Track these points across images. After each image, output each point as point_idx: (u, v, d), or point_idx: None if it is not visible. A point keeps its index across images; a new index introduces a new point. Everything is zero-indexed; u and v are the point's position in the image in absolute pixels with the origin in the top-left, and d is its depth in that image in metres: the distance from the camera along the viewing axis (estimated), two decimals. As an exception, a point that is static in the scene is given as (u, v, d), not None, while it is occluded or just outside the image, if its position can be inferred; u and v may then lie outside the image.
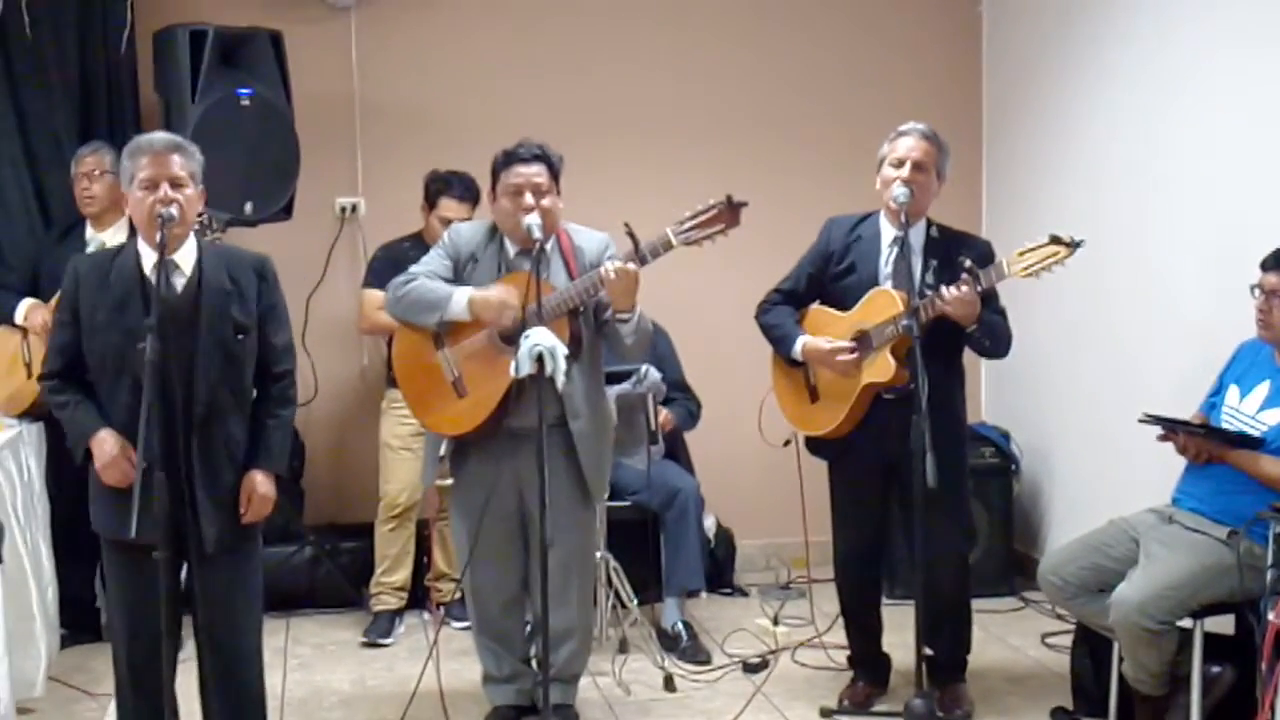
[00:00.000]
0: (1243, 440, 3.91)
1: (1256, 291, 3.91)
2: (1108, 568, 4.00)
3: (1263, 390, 3.96)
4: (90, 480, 3.54)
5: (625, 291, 3.98)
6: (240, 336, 3.51)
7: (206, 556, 3.49)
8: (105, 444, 3.44)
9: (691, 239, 3.99)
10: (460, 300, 4.07)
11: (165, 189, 3.41)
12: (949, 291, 4.06)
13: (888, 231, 4.34)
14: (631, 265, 3.95)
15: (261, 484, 3.56)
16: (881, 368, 4.20)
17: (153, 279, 3.39)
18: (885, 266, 4.32)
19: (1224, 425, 4.01)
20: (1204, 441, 3.98)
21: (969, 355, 4.41)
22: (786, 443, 4.76)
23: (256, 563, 3.67)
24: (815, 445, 4.53)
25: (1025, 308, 4.41)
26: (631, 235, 3.98)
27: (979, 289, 4.05)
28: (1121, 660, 3.99)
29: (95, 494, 3.54)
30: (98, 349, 3.47)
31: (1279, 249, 3.91)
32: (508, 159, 4.12)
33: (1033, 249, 4.03)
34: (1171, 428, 4.04)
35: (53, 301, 4.84)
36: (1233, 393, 4.06)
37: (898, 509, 4.43)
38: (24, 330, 4.98)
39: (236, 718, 3.69)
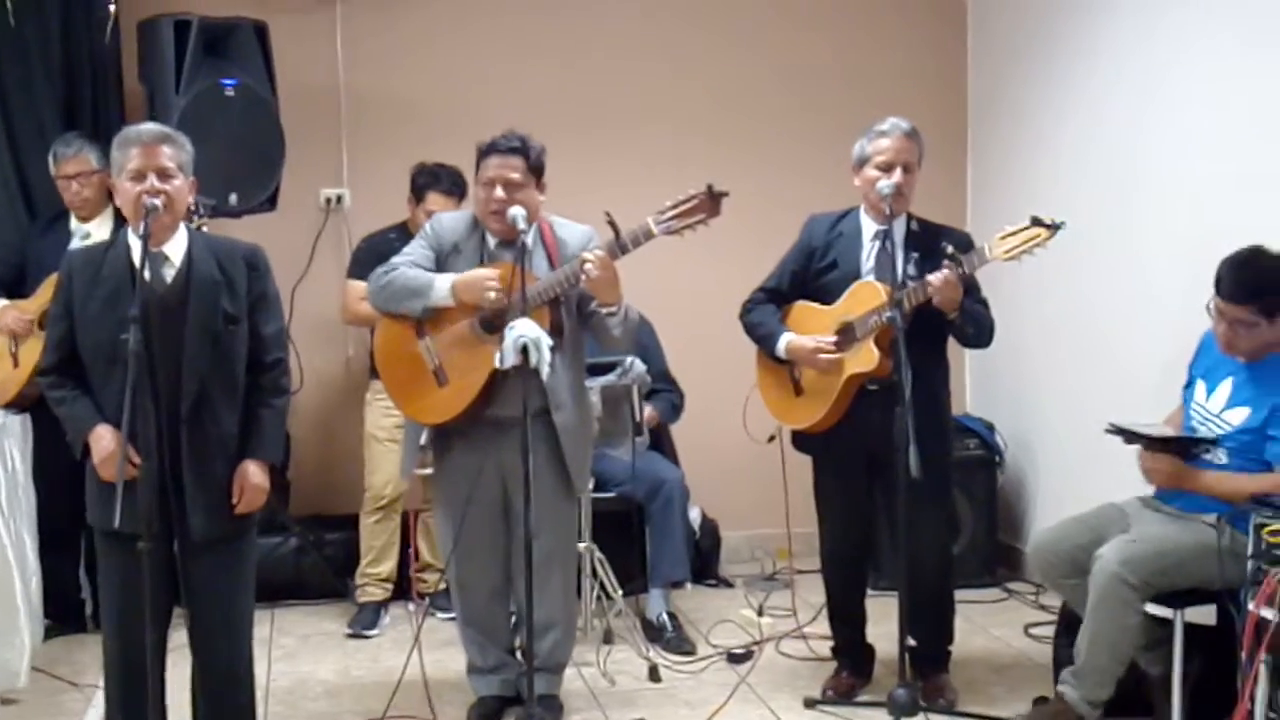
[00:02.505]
0: (1194, 441, 3.96)
1: (1214, 312, 3.90)
2: (1099, 545, 3.99)
3: (1225, 388, 3.98)
4: (87, 474, 3.52)
5: (608, 285, 4.00)
6: (230, 327, 3.50)
7: (195, 546, 3.48)
8: (103, 439, 3.41)
9: (672, 228, 4.00)
10: (443, 286, 4.08)
11: (152, 180, 3.41)
12: (933, 277, 4.07)
13: (869, 226, 4.36)
14: (602, 253, 3.95)
15: (254, 474, 3.55)
16: (865, 358, 4.21)
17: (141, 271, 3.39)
18: (867, 261, 4.34)
19: (1192, 421, 4.04)
20: (1164, 460, 3.96)
21: (954, 348, 4.43)
22: (771, 438, 4.77)
23: (249, 555, 3.66)
24: (800, 440, 4.53)
25: (1009, 300, 4.43)
26: (612, 224, 3.99)
27: (961, 273, 4.06)
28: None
29: (90, 488, 3.52)
30: (90, 342, 3.46)
31: (1230, 272, 3.86)
32: (488, 149, 4.14)
33: (1014, 232, 4.04)
34: (1131, 439, 4.03)
35: (25, 301, 4.87)
36: (1199, 389, 4.08)
37: (881, 500, 4.44)
38: (7, 322, 4.97)
39: (226, 710, 3.69)
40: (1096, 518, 4.12)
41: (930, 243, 4.26)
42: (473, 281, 4.05)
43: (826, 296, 4.38)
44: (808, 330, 4.35)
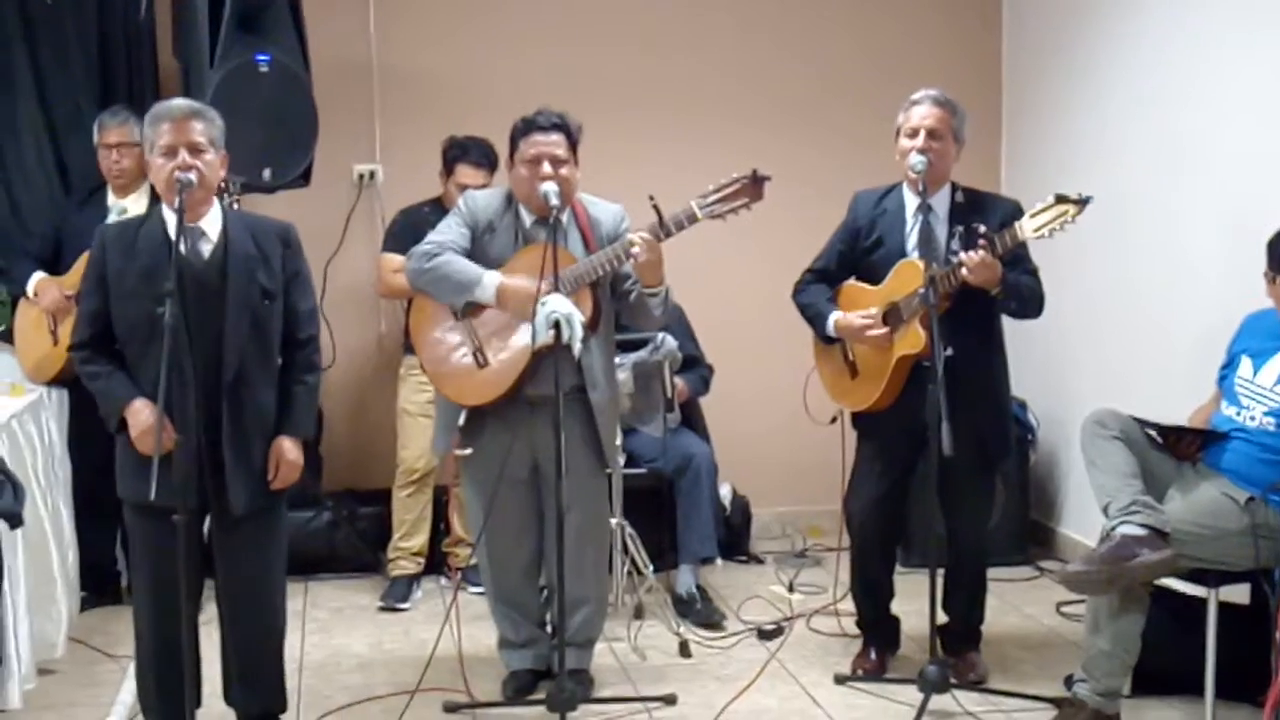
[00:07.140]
0: (1209, 436, 3.96)
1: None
2: (1148, 468, 3.95)
3: (1277, 363, 3.94)
4: (118, 447, 3.56)
5: (653, 268, 4.01)
6: (266, 302, 3.53)
7: (231, 520, 3.51)
8: (141, 413, 3.44)
9: (716, 212, 4.00)
10: (490, 286, 4.03)
11: (184, 155, 3.43)
12: (965, 257, 4.04)
13: (911, 201, 4.33)
14: (648, 236, 3.95)
15: (290, 450, 3.59)
16: (912, 340, 4.19)
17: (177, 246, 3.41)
18: (911, 237, 4.31)
19: (1238, 396, 4.01)
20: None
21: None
22: (833, 420, 4.75)
23: (281, 528, 3.70)
24: (861, 420, 4.52)
25: (1044, 276, 4.40)
26: (656, 208, 3.97)
27: (995, 252, 4.04)
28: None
29: (123, 461, 3.55)
30: (126, 317, 3.49)
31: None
32: (527, 127, 4.11)
33: (1043, 209, 4.02)
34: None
35: (64, 277, 4.90)
36: (1245, 365, 4.03)
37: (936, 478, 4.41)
38: (48, 298, 5.01)
39: (257, 681, 3.72)
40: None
41: (976, 215, 4.23)
42: (519, 297, 3.99)
43: (876, 275, 4.35)
44: (856, 312, 4.33)
